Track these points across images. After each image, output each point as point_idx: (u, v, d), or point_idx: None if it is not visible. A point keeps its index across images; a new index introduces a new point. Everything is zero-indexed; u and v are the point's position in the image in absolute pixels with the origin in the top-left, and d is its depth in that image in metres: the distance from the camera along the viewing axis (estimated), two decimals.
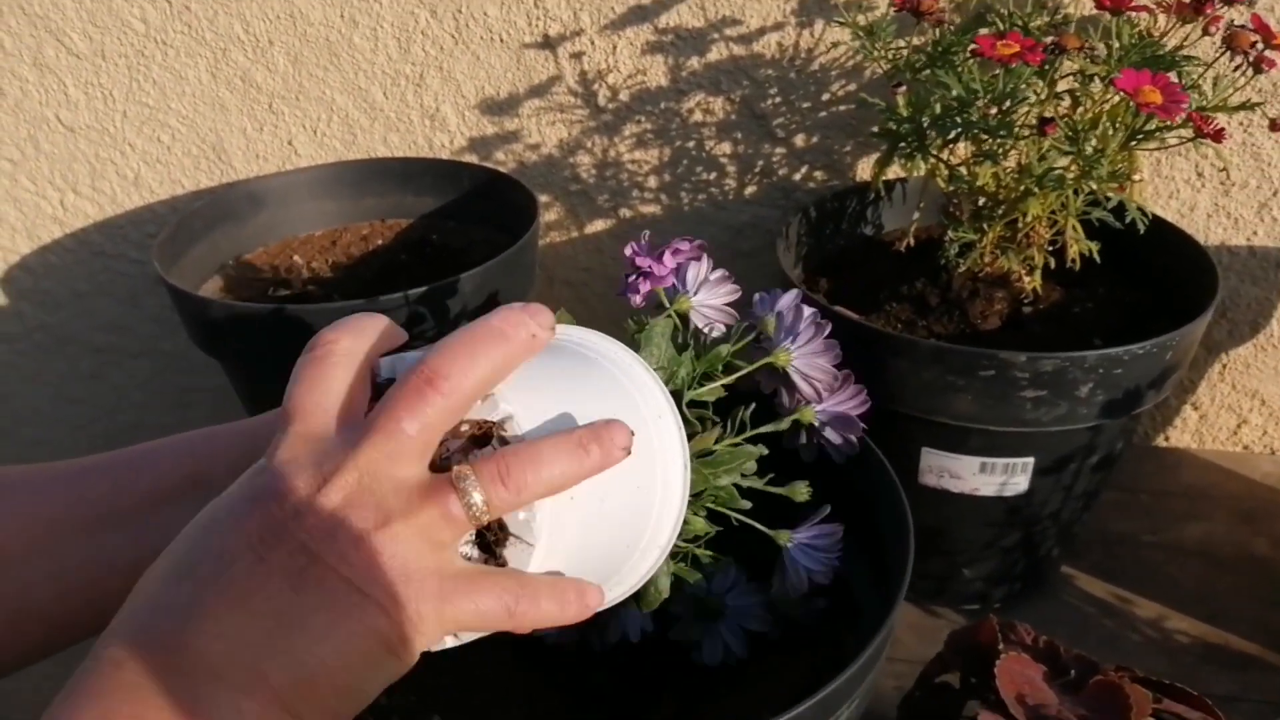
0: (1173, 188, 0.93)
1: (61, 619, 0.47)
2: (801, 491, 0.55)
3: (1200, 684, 0.79)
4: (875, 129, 0.77)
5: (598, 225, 1.07)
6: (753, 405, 0.55)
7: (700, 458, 0.52)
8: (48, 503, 0.47)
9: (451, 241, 1.03)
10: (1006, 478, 0.76)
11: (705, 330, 0.57)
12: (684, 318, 0.55)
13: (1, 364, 1.26)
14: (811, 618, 0.58)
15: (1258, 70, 0.68)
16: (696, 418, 0.53)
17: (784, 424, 0.56)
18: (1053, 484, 0.77)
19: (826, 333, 0.55)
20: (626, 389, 0.43)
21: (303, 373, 0.40)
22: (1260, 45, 0.67)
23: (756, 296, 0.57)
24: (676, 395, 0.51)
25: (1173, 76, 0.69)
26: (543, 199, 1.05)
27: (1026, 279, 0.78)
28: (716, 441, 0.52)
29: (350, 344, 0.40)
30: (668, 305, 0.54)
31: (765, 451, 0.54)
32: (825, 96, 0.94)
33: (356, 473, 0.35)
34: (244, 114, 1.06)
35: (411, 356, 0.39)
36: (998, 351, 0.68)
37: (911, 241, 0.82)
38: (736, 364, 0.55)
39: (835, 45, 0.91)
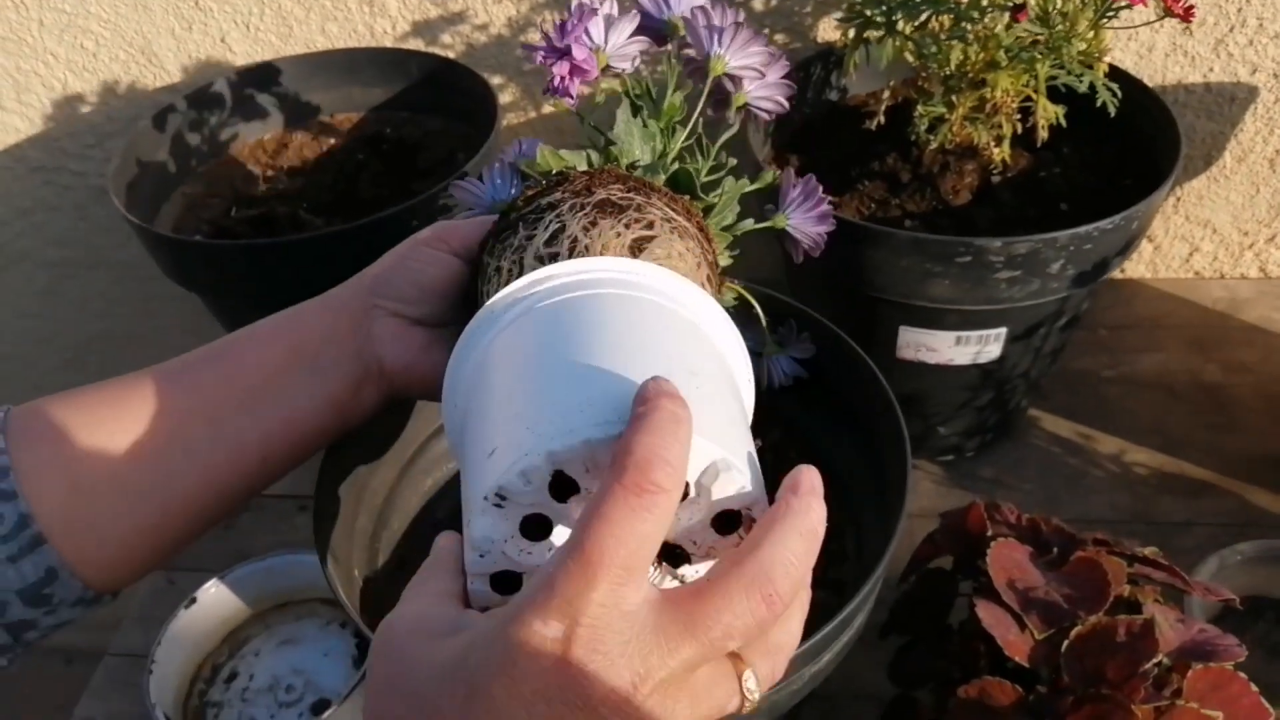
0: (1131, 30, 0.93)
1: (204, 503, 0.51)
2: (767, 177, 0.58)
3: (1159, 513, 0.88)
4: (841, 12, 0.76)
5: (555, 106, 1.04)
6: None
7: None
8: (169, 398, 0.49)
9: (406, 134, 1.00)
10: (980, 347, 0.79)
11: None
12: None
13: None
14: None
15: None
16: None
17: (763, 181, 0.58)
18: (1024, 348, 0.81)
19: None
20: (709, 335, 0.44)
21: (614, 511, 0.31)
22: None
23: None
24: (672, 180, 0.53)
25: None
26: (495, 82, 1.02)
27: (995, 150, 0.79)
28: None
29: (677, 483, 0.32)
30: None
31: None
32: None
33: (668, 673, 0.32)
34: (170, 13, 1.00)
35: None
36: (973, 239, 0.70)
37: (882, 120, 0.81)
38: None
39: None
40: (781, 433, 0.71)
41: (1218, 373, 0.99)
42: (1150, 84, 0.95)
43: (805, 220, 0.59)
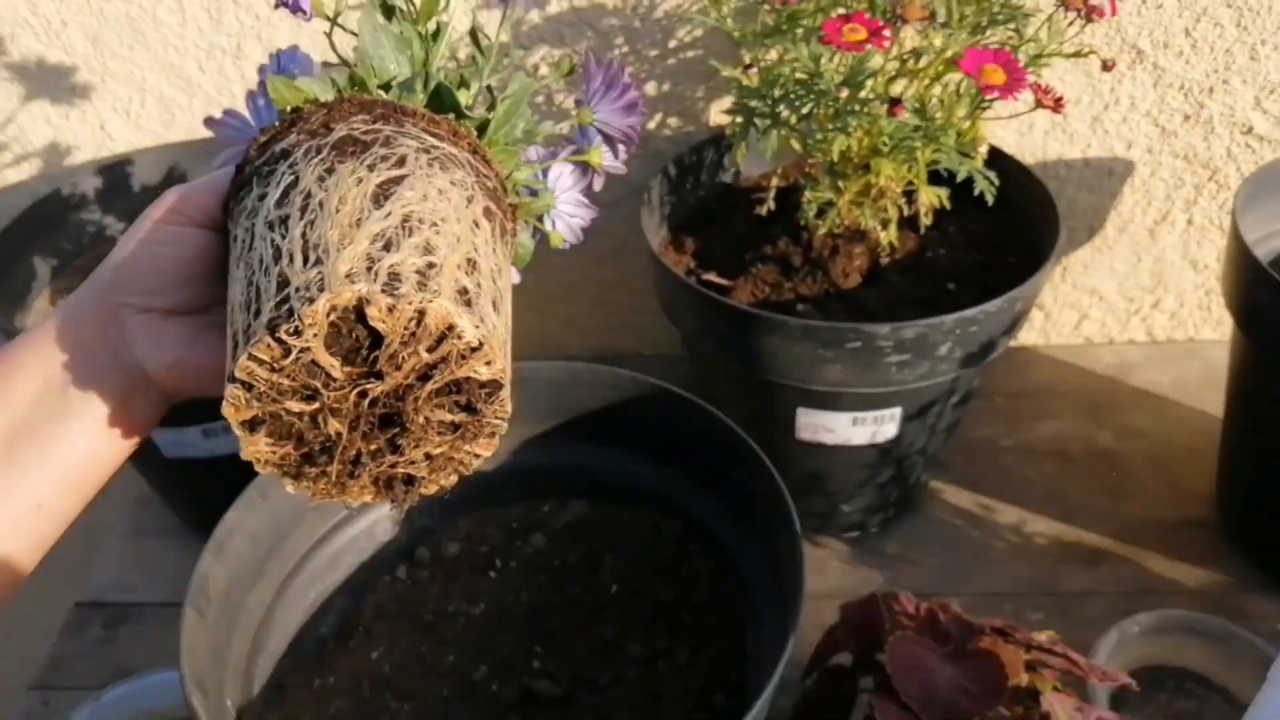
0: (1013, 108, 0.96)
1: None
2: (564, 67, 0.53)
3: (1060, 584, 0.88)
4: (728, 108, 0.76)
5: None
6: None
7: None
8: None
9: None
10: (877, 427, 0.80)
11: None
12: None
13: None
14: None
15: (1088, 20, 0.70)
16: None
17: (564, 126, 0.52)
18: (919, 426, 0.81)
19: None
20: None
21: None
22: None
23: None
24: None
25: (1008, 34, 0.71)
26: None
27: (883, 233, 0.80)
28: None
29: None
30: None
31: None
32: (672, 43, 0.92)
33: None
34: (46, 99, 0.97)
35: None
36: (862, 325, 0.70)
37: (773, 205, 0.82)
38: None
39: None
40: (682, 524, 0.70)
41: (1110, 438, 1.01)
42: (1032, 160, 0.98)
43: (612, 113, 0.52)
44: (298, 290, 0.35)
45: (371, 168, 0.39)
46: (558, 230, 0.53)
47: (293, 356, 0.35)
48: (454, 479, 0.39)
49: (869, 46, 0.62)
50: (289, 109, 0.43)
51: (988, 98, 0.66)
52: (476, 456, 0.39)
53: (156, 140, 0.99)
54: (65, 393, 0.43)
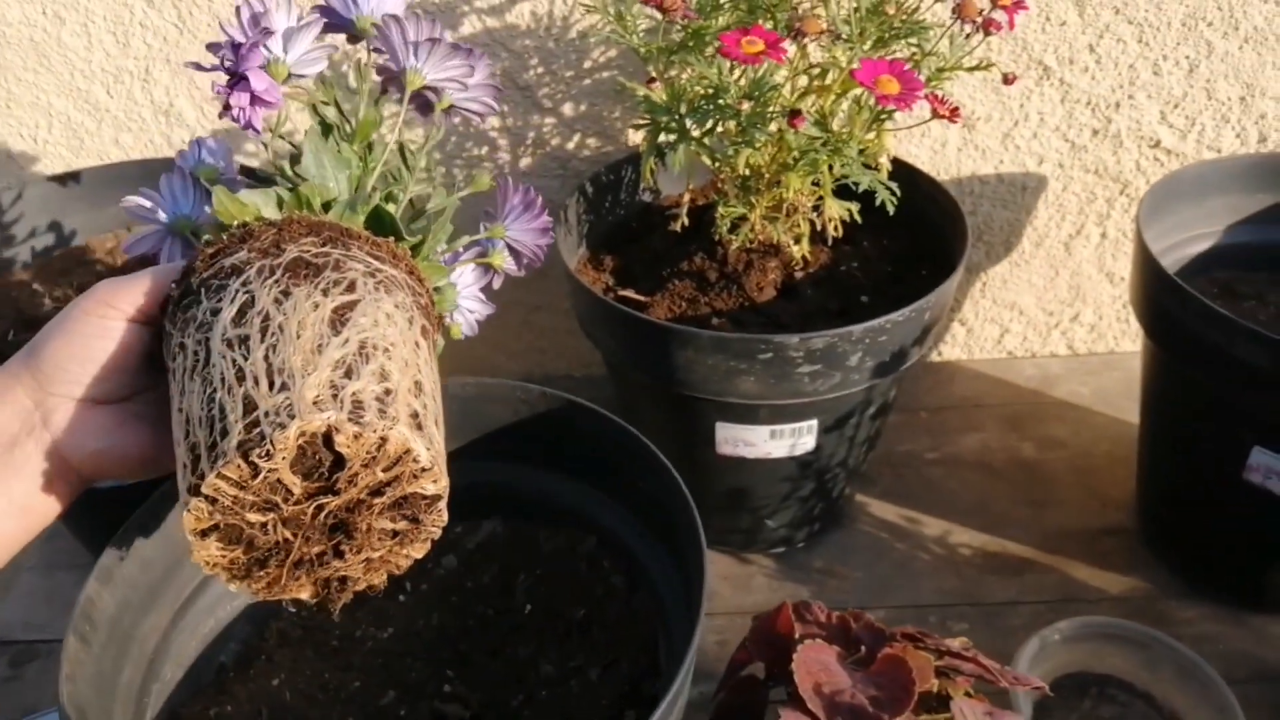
0: (925, 127, 0.97)
1: None
2: (483, 181, 0.57)
3: (984, 594, 0.88)
4: (636, 121, 0.77)
5: None
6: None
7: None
8: None
9: None
10: (795, 440, 0.79)
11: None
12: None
13: None
14: None
15: (987, 33, 0.71)
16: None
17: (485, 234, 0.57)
18: (837, 438, 0.81)
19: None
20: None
21: None
22: (987, 9, 0.70)
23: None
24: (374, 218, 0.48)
25: (911, 49, 0.72)
26: None
27: (794, 247, 0.80)
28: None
29: None
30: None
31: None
32: (587, 64, 0.92)
33: None
34: None
35: None
36: (772, 336, 0.70)
37: (685, 221, 0.82)
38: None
39: (590, 11, 0.89)
40: (597, 540, 0.69)
41: (1033, 450, 1.02)
42: (946, 177, 1.00)
43: (525, 232, 0.57)
44: (268, 415, 0.37)
45: (325, 292, 0.41)
46: (457, 323, 0.55)
47: (261, 476, 0.37)
48: (384, 578, 0.43)
49: (767, 60, 0.62)
50: (235, 224, 0.45)
51: (884, 108, 0.66)
52: (410, 559, 0.42)
53: (64, 166, 0.97)
54: None
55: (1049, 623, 0.78)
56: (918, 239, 0.87)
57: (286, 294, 0.40)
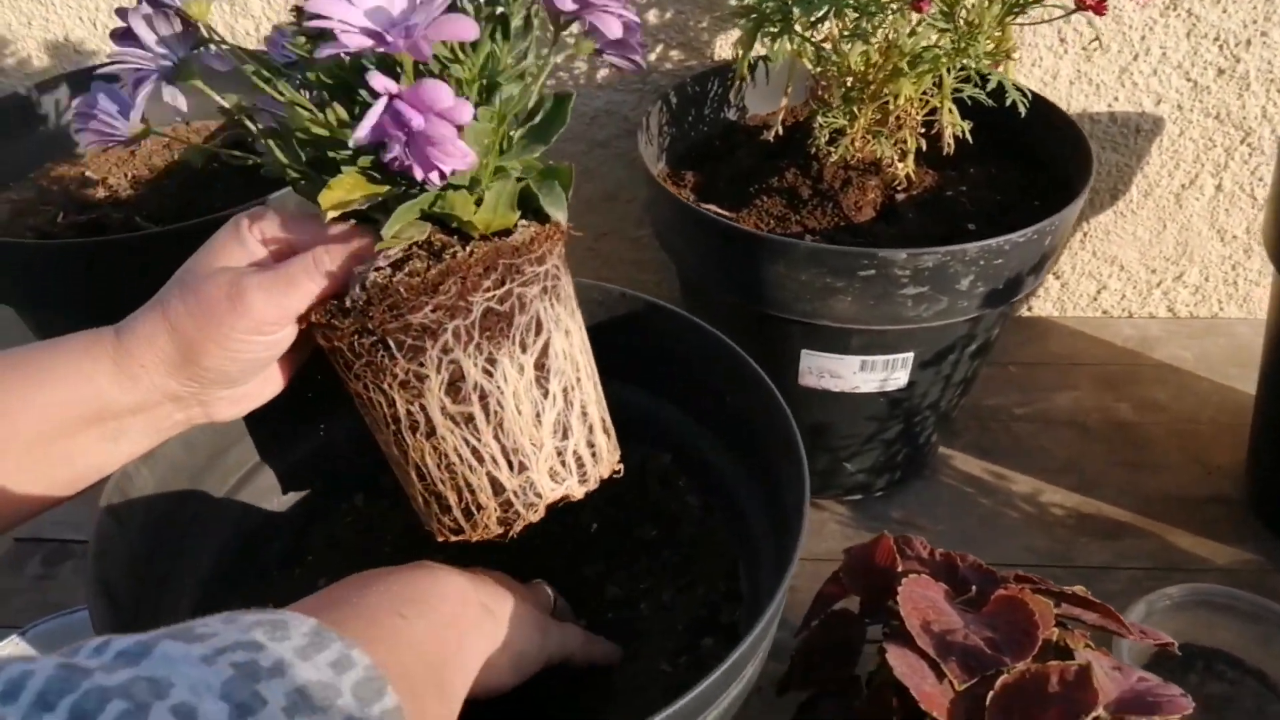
0: (1035, 55, 0.90)
1: None
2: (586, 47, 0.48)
3: (1078, 556, 0.82)
4: (735, 3, 0.70)
5: None
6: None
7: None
8: None
9: None
10: (887, 374, 0.73)
11: None
12: None
13: None
14: None
15: None
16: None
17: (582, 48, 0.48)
18: (933, 375, 0.75)
19: None
20: None
21: None
22: None
23: None
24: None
25: None
26: None
27: (900, 165, 0.74)
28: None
29: None
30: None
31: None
32: None
33: None
34: (6, 6, 0.90)
35: None
36: (877, 250, 0.64)
37: (780, 130, 0.76)
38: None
39: None
40: (672, 457, 0.63)
41: (1130, 411, 0.94)
42: None
43: (616, 57, 0.48)
44: (516, 495, 0.45)
45: (524, 347, 0.44)
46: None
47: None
48: None
49: None
50: (398, 256, 0.43)
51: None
52: None
53: None
54: (117, 432, 0.45)
55: (1148, 590, 0.71)
56: (1029, 170, 0.80)
57: (493, 361, 0.43)
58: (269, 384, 0.49)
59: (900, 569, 0.53)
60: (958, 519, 0.84)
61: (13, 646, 0.69)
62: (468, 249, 0.43)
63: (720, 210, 0.76)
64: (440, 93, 0.36)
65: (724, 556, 0.57)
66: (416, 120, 0.36)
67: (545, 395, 0.45)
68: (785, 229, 0.74)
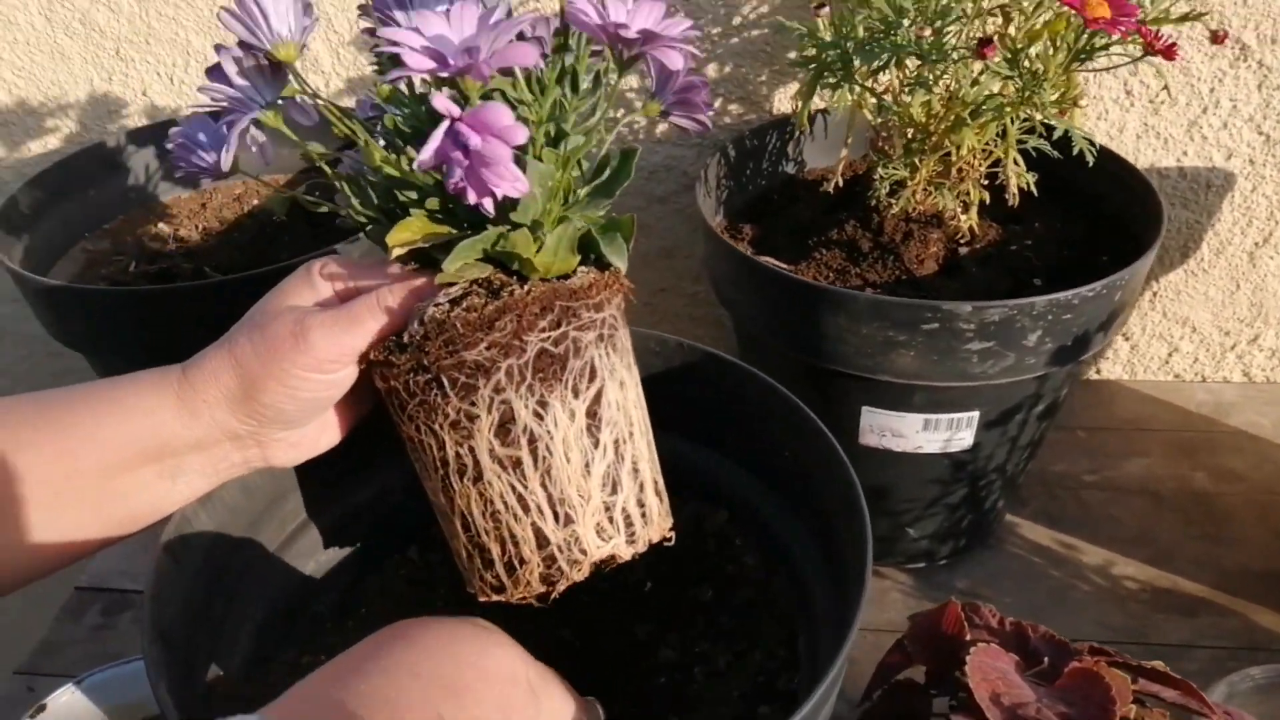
0: (1101, 108, 0.89)
1: (30, 568, 0.44)
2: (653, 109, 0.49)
3: (1154, 634, 0.77)
4: (794, 56, 0.70)
5: None
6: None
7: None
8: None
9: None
10: (951, 434, 0.71)
11: None
12: None
13: None
14: None
15: None
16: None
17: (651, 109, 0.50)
18: (999, 436, 0.72)
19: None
20: None
21: None
22: None
23: None
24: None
25: None
26: None
27: (962, 217, 0.72)
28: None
29: None
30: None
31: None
32: (736, 20, 0.86)
33: None
34: (89, 62, 0.94)
35: None
36: (941, 303, 0.62)
37: (839, 181, 0.75)
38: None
39: None
40: (729, 514, 0.61)
41: (1207, 480, 0.90)
42: None
43: (684, 119, 0.49)
44: (561, 551, 0.44)
45: (576, 393, 0.43)
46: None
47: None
48: None
49: None
50: (455, 290, 0.43)
51: (1086, 44, 0.58)
52: None
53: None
54: (176, 470, 0.45)
55: (1229, 670, 0.67)
56: (1096, 224, 0.78)
57: (544, 404, 0.42)
58: (326, 432, 0.49)
59: (968, 638, 0.51)
60: (1026, 591, 0.81)
61: (69, 695, 0.69)
62: (525, 288, 0.43)
63: (778, 262, 0.75)
64: (499, 114, 0.36)
65: (782, 621, 0.55)
66: (474, 140, 0.36)
67: (596, 445, 0.44)
68: (845, 282, 0.72)
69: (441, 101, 0.36)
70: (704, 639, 0.56)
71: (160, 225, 0.90)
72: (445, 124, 0.37)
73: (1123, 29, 0.54)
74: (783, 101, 0.90)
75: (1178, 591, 0.80)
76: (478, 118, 0.37)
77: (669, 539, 0.47)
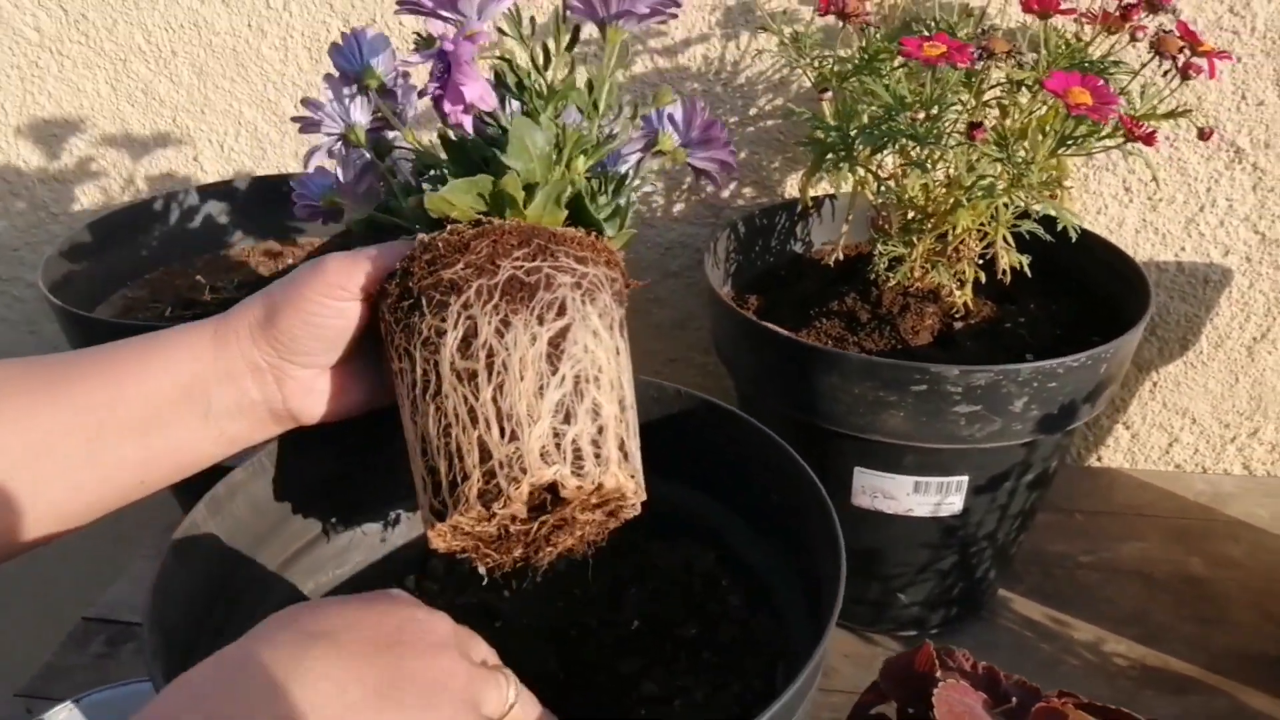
0: (1100, 203, 0.93)
1: (69, 510, 0.48)
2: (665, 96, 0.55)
3: (1141, 709, 0.77)
4: (803, 140, 0.75)
5: None
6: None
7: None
8: (47, 410, 0.47)
9: None
10: (941, 497, 0.73)
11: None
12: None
13: None
14: None
15: (1185, 77, 0.67)
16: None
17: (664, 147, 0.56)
18: (988, 503, 0.74)
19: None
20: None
21: None
22: (1188, 52, 0.66)
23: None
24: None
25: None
26: None
27: (957, 293, 0.76)
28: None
29: None
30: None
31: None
32: (752, 111, 0.92)
33: None
34: (146, 128, 1.01)
35: None
36: (929, 365, 0.65)
37: (840, 256, 0.79)
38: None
39: (761, 54, 0.89)
40: (716, 556, 0.63)
41: (1201, 566, 0.91)
42: None
43: (706, 160, 0.56)
44: (501, 467, 0.43)
45: (541, 320, 0.45)
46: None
47: (495, 517, 0.44)
48: (583, 544, 0.49)
49: (949, 66, 0.60)
50: (445, 223, 0.48)
51: (1070, 132, 0.63)
52: (608, 529, 0.49)
53: (245, 174, 1.02)
54: (207, 408, 0.50)
55: None
56: (1088, 306, 0.81)
57: (506, 324, 0.44)
58: (340, 397, 0.53)
59: (939, 675, 0.52)
60: (1015, 663, 0.81)
61: (66, 712, 0.71)
62: (507, 221, 0.47)
63: (777, 328, 0.79)
64: (476, 33, 0.45)
65: (761, 656, 0.57)
66: (448, 45, 0.44)
67: (554, 373, 0.44)
68: (842, 349, 0.76)
69: (437, 27, 0.44)
70: (686, 674, 0.58)
71: (198, 277, 0.95)
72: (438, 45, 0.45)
73: (1103, 115, 0.58)
74: (794, 186, 0.95)
75: (1168, 670, 0.80)
76: (458, 36, 0.44)
77: (628, 499, 0.46)
